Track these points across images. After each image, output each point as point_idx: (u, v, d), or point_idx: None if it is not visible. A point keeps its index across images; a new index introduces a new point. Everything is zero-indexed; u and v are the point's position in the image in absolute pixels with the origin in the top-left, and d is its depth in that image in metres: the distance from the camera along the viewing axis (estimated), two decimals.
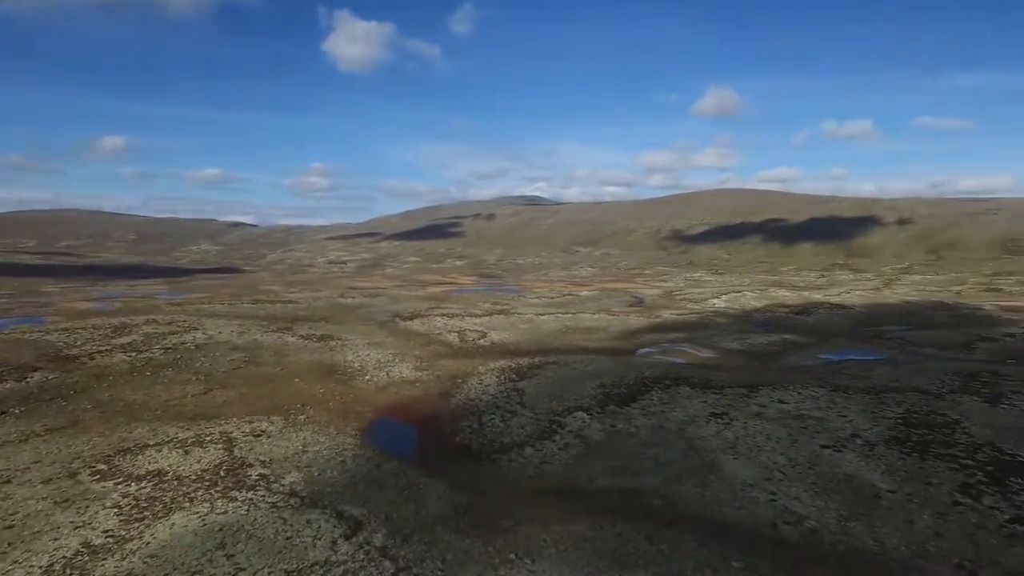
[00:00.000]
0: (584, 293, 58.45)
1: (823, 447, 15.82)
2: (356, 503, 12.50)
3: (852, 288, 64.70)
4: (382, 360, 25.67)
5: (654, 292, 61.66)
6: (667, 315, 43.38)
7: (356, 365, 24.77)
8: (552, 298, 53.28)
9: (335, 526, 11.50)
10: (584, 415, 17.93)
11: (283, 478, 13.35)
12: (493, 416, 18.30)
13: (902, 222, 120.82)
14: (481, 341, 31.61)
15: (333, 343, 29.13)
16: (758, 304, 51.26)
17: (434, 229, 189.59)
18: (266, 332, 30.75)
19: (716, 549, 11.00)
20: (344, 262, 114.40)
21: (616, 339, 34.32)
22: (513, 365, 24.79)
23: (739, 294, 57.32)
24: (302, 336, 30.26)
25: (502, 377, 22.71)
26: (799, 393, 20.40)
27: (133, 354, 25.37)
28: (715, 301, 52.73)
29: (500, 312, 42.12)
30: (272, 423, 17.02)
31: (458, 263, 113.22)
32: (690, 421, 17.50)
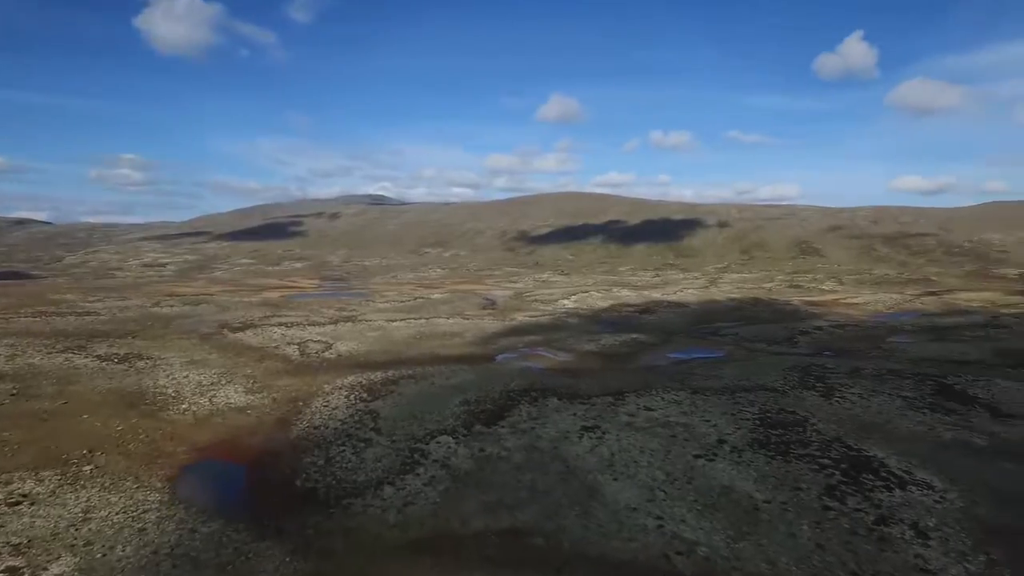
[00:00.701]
0: (436, 296, 56.40)
1: (696, 456, 15.38)
2: None
3: (684, 287, 69.57)
4: (205, 382, 21.61)
5: (506, 293, 61.33)
6: (521, 317, 42.80)
7: (170, 391, 20.52)
8: (403, 302, 50.60)
9: None
10: (450, 440, 15.96)
11: (46, 569, 9.76)
12: (343, 448, 15.65)
13: (721, 225, 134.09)
14: (326, 353, 28.33)
15: (141, 364, 24.23)
16: (604, 304, 52.78)
17: (272, 228, 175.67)
18: (49, 354, 24.87)
19: None
20: (163, 265, 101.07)
21: (474, 345, 32.77)
22: (364, 381, 22.13)
23: (586, 294, 58.84)
24: (99, 357, 24.88)
25: (352, 397, 20.00)
26: (663, 398, 20.23)
27: None
28: (565, 302, 53.48)
29: (347, 319, 38.73)
30: (41, 482, 12.89)
31: (298, 265, 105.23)
32: (563, 438, 16.29)
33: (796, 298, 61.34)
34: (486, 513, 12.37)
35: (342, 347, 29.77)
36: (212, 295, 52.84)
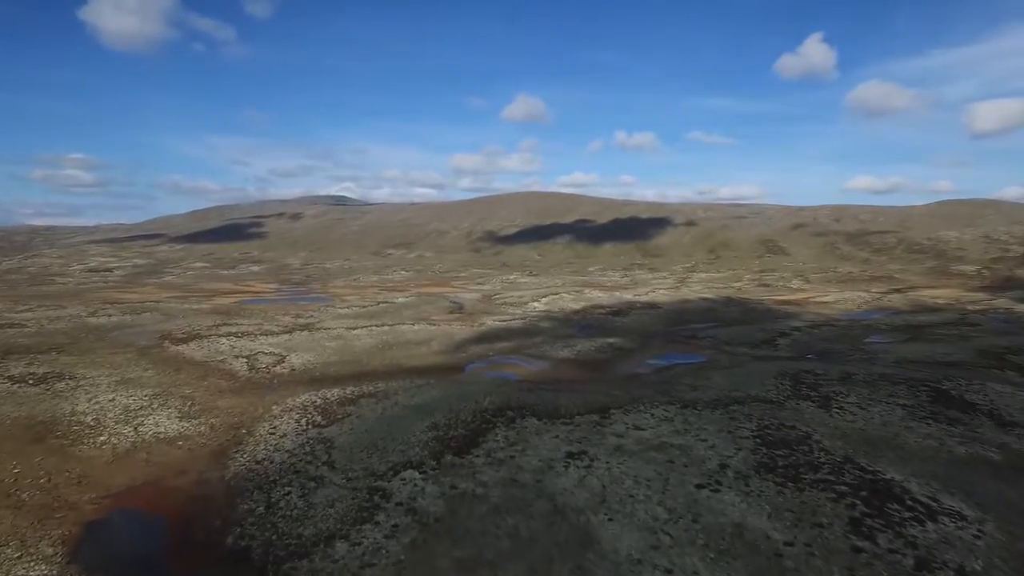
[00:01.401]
0: (400, 299, 53.74)
1: (699, 487, 13.46)
2: None
3: (655, 287, 68.37)
4: (133, 407, 18.83)
5: (473, 296, 59.04)
6: (490, 322, 40.60)
7: (89, 419, 17.71)
8: (365, 307, 47.86)
9: None
10: (416, 475, 13.68)
11: None
12: (289, 489, 13.22)
13: (688, 224, 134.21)
14: (278, 367, 25.69)
15: (62, 385, 21.22)
16: (576, 306, 50.96)
17: (230, 230, 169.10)
18: None
19: None
20: (109, 269, 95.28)
21: (441, 354, 30.48)
22: (319, 400, 19.68)
23: (556, 296, 56.96)
24: (11, 378, 21.77)
25: (303, 421, 17.56)
26: (651, 415, 18.34)
27: None
28: (535, 304, 51.49)
29: (304, 327, 35.93)
30: None
31: (256, 268, 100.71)
32: (546, 467, 14.18)
33: (767, 297, 60.63)
34: (462, 573, 10.17)
35: (296, 360, 27.13)
36: (159, 302, 49.14)
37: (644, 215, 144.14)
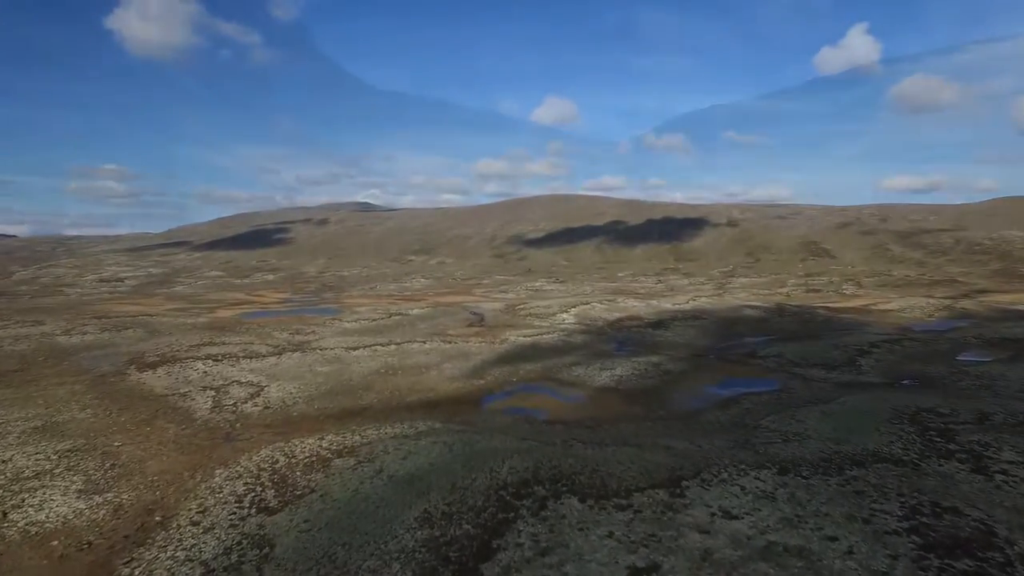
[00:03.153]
0: (415, 311, 48.65)
1: None
2: None
3: (694, 294, 62.30)
4: (29, 471, 13.92)
5: (495, 306, 53.70)
6: (514, 337, 35.23)
7: None
8: (375, 320, 42.86)
9: None
10: None
11: None
12: None
13: (725, 225, 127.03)
14: (249, 404, 20.70)
15: None
16: (610, 317, 45.29)
17: (255, 236, 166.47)
18: None
19: None
20: (121, 280, 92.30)
21: (454, 381, 25.26)
22: (281, 461, 14.56)
23: (587, 306, 51.28)
24: None
25: (247, 500, 12.40)
26: (740, 487, 12.81)
27: None
28: (564, 316, 45.93)
29: (297, 347, 31.05)
30: None
31: (270, 277, 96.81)
32: None
33: (820, 305, 54.12)
34: None
35: (275, 392, 22.10)
36: (153, 315, 44.80)
37: (678, 216, 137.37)
